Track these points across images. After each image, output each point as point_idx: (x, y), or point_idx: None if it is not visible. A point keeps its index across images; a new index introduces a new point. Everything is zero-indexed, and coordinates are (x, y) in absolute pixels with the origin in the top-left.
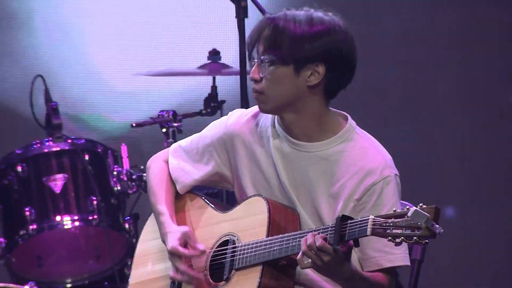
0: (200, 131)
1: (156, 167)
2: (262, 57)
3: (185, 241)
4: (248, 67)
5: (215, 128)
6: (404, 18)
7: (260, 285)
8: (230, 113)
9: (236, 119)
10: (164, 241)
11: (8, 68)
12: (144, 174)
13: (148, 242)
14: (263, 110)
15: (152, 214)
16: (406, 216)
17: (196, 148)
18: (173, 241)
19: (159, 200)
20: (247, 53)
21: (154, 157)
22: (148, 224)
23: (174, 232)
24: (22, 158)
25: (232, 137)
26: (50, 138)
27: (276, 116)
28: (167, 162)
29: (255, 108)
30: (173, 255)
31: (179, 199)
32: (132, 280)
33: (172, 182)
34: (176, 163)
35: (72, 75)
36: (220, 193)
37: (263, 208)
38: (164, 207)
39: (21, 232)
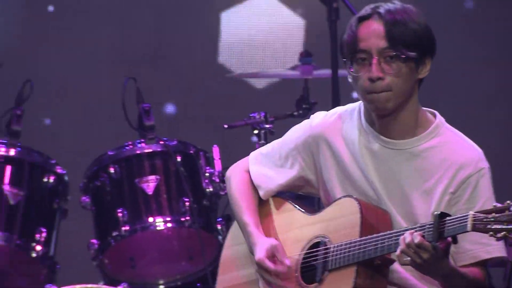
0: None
1: (236, 177)
2: (385, 54)
3: (273, 253)
4: (352, 68)
5: (298, 131)
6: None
7: (355, 286)
8: (312, 115)
9: (320, 120)
10: (251, 251)
11: (99, 70)
12: None
13: (234, 247)
14: (386, 108)
15: None
16: (507, 211)
17: (279, 153)
18: (260, 253)
19: (243, 211)
20: (347, 53)
21: (233, 168)
22: (233, 229)
23: (262, 243)
24: (115, 160)
25: (317, 139)
26: (143, 140)
27: (362, 116)
28: (246, 171)
29: (338, 109)
30: (261, 267)
31: (264, 204)
32: (219, 285)
33: (254, 189)
34: (258, 170)
35: (163, 77)
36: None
37: (354, 209)
38: (248, 217)
39: (114, 234)
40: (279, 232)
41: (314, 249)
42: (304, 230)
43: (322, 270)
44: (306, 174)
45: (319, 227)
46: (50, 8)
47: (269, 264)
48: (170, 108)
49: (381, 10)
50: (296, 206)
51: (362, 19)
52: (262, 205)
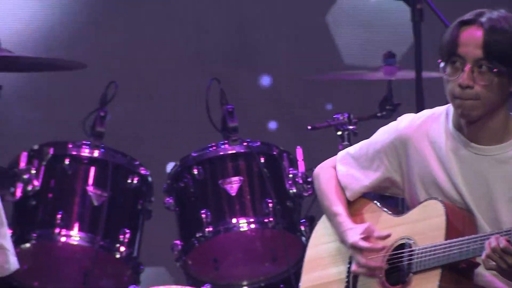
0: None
1: (325, 174)
2: (479, 64)
3: (368, 235)
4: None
5: (385, 133)
6: None
7: None
8: (399, 118)
9: (407, 123)
10: (343, 240)
11: (183, 71)
12: None
13: (319, 246)
14: (470, 116)
15: (322, 219)
16: None
17: (366, 154)
18: (354, 236)
19: (334, 202)
20: (444, 55)
21: (321, 166)
22: (318, 229)
23: (355, 228)
24: (198, 161)
25: (403, 142)
26: (226, 141)
27: (450, 120)
28: (335, 169)
29: (425, 112)
30: (355, 249)
31: (349, 205)
32: (303, 284)
33: (342, 189)
34: (345, 170)
35: (245, 77)
36: None
37: (440, 212)
38: (340, 207)
39: (198, 235)
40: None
41: (399, 251)
42: (389, 232)
43: (407, 272)
44: (392, 176)
45: (404, 229)
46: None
47: (363, 243)
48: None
49: (484, 19)
50: (381, 207)
51: (464, 23)
52: (349, 205)
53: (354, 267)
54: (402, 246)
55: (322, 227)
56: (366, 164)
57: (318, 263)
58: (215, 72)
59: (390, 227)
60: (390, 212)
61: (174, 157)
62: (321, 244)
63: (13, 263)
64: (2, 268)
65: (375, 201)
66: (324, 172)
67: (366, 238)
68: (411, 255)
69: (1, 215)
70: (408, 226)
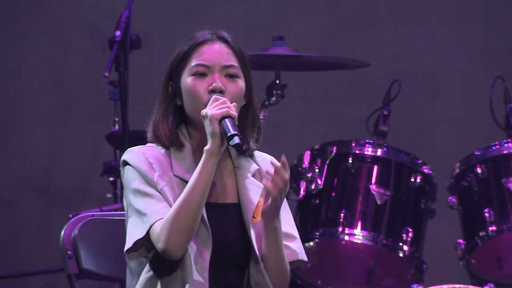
0: None
1: None
2: None
3: None
4: None
5: None
6: None
7: None
8: None
9: None
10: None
11: (468, 69)
12: None
13: None
14: None
15: None
16: None
17: None
18: None
19: None
20: None
21: None
22: None
23: None
24: (481, 160)
25: None
26: (510, 140)
27: None
28: None
29: None
30: None
31: None
32: None
33: None
34: None
35: None
36: None
37: None
38: None
39: (481, 234)
40: None
41: None
42: None
43: None
44: None
45: None
46: None
47: None
48: None
49: None
50: None
51: None
52: None
53: None
54: None
55: None
56: None
57: None
58: (499, 71)
59: None
60: None
61: (457, 155)
62: None
63: (304, 253)
64: (296, 252)
65: None
66: None
67: None
68: None
69: (286, 207)
70: None
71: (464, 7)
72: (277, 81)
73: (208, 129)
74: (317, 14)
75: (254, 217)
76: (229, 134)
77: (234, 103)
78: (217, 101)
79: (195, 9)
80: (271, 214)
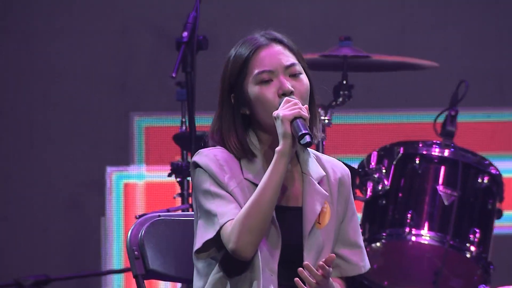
0: None
1: None
2: None
3: None
4: None
5: None
6: None
7: None
8: None
9: None
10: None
11: None
12: None
13: None
14: None
15: None
16: None
17: None
18: None
19: None
20: None
21: None
22: None
23: None
24: None
25: None
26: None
27: None
28: None
29: None
30: None
31: None
32: None
33: None
34: None
35: None
36: None
37: None
38: None
39: None
40: None
41: None
42: None
43: None
44: None
45: None
46: None
47: None
48: None
49: None
50: None
51: None
52: None
53: None
54: None
55: None
56: None
57: None
58: None
59: None
60: None
61: None
62: None
63: (367, 262)
64: (357, 266)
65: None
66: None
67: None
68: None
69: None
70: None
71: None
72: (344, 82)
73: (279, 129)
74: (384, 14)
75: (320, 223)
76: (300, 133)
77: (306, 105)
78: (289, 102)
79: (261, 10)
80: None
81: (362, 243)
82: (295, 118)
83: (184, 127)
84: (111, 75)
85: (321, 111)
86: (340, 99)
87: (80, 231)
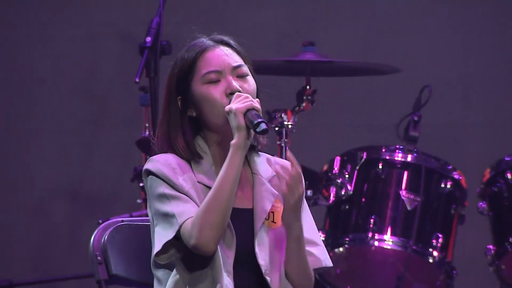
0: None
1: None
2: None
3: None
4: None
5: None
6: None
7: None
8: None
9: None
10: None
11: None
12: None
13: None
14: None
15: None
16: None
17: None
18: None
19: None
20: None
21: None
22: None
23: None
24: (511, 166)
25: None
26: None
27: None
28: None
29: None
30: None
31: None
32: None
33: None
34: None
35: None
36: None
37: None
38: None
39: (511, 239)
40: None
41: None
42: None
43: None
44: None
45: None
46: None
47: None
48: None
49: None
50: None
51: None
52: None
53: None
54: None
55: None
56: None
57: None
58: None
59: None
60: None
61: (487, 161)
62: None
63: (329, 258)
64: (318, 260)
65: None
66: None
67: None
68: None
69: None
70: None
71: (497, 16)
72: (308, 87)
73: (233, 123)
74: (347, 20)
75: (275, 222)
76: (255, 121)
77: (257, 99)
78: (240, 96)
79: (226, 15)
80: (290, 219)
81: (320, 241)
82: (248, 110)
83: (147, 132)
84: (75, 81)
85: (284, 116)
86: (304, 104)
87: (44, 236)
